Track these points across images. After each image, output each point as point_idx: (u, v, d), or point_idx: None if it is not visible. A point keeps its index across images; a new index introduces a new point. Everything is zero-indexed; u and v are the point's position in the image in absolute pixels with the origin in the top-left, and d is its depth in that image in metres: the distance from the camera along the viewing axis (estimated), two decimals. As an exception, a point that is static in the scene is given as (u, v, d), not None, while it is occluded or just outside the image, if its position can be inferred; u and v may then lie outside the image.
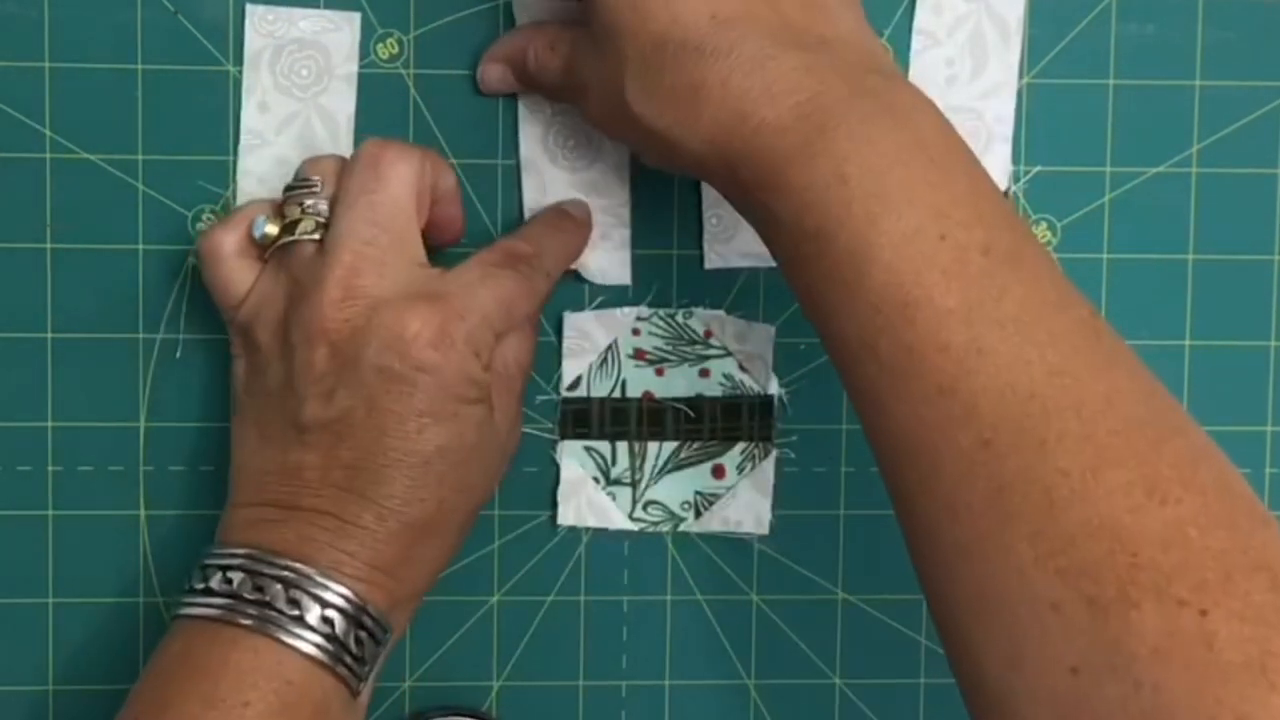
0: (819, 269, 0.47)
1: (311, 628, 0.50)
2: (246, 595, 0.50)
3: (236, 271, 0.55)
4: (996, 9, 0.60)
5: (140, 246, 0.59)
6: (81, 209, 0.59)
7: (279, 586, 0.50)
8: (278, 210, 0.55)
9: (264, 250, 0.55)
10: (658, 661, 0.61)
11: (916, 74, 0.60)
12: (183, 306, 0.59)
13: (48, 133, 0.59)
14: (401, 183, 0.54)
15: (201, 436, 0.59)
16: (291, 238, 0.54)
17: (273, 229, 0.54)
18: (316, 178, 0.55)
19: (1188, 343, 0.61)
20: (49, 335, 0.59)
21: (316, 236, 0.54)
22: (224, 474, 0.59)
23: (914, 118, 0.48)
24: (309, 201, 0.54)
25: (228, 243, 0.55)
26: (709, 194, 0.60)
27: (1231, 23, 0.60)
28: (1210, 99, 0.61)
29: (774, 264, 0.58)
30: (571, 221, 0.58)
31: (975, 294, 0.45)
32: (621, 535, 0.61)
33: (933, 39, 0.60)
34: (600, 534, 0.61)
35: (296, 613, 0.50)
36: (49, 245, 0.59)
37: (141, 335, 0.59)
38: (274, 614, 0.50)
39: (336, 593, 0.51)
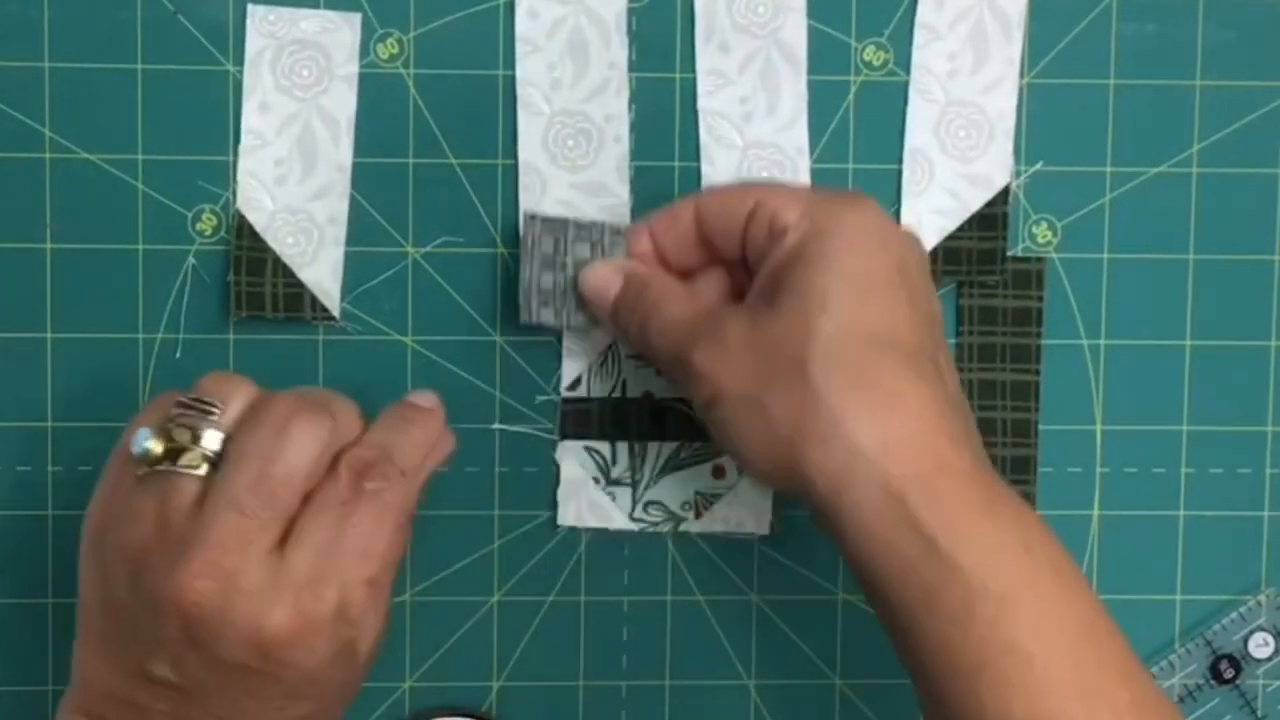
0: (992, 634, 0.47)
1: None
2: None
3: (127, 465, 0.51)
4: (998, 3, 0.60)
5: (140, 246, 0.59)
6: (81, 209, 0.59)
7: None
8: (163, 424, 0.51)
9: (139, 466, 0.51)
10: (658, 661, 0.61)
11: (918, 68, 0.60)
12: (183, 306, 0.59)
13: (48, 133, 0.59)
14: (302, 455, 0.50)
15: (201, 436, 0.59)
16: (173, 468, 0.50)
17: (156, 448, 0.50)
18: (218, 406, 0.51)
19: (1188, 343, 0.61)
20: (49, 335, 0.59)
21: (201, 472, 0.50)
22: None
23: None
24: (203, 431, 0.50)
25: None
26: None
27: (1231, 23, 0.60)
28: (1210, 99, 0.61)
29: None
30: (420, 413, 0.54)
31: (1143, 690, 0.48)
32: (621, 535, 0.61)
33: (934, 33, 0.60)
34: (600, 534, 0.61)
35: None
36: (49, 245, 0.59)
37: (141, 335, 0.59)
38: None
39: None
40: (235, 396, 0.51)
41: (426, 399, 0.55)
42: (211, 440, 0.50)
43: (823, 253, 0.51)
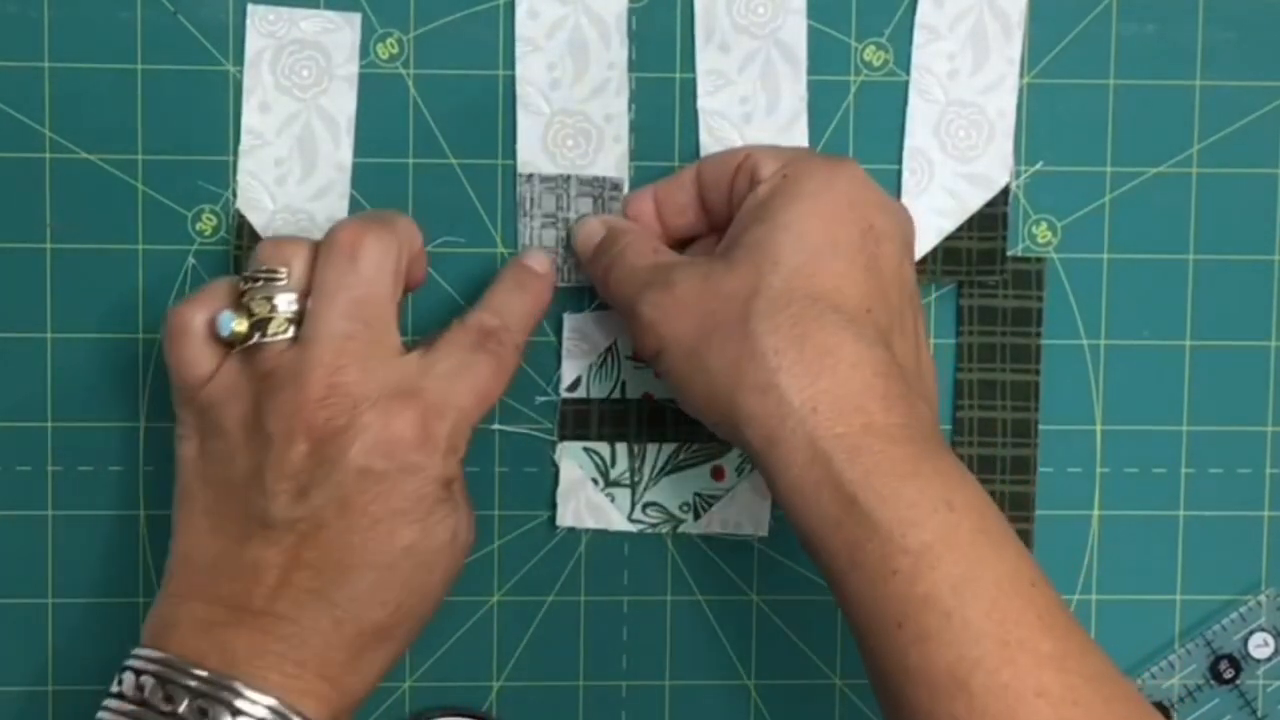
0: (910, 589, 0.48)
1: None
2: (157, 705, 0.49)
3: (202, 352, 0.53)
4: (998, 3, 0.60)
5: (140, 246, 0.59)
6: (81, 209, 0.59)
7: (189, 698, 0.49)
8: (238, 298, 0.53)
9: (230, 346, 0.53)
10: (658, 661, 0.61)
11: (918, 68, 0.60)
12: (183, 306, 0.59)
13: (48, 133, 0.59)
14: (380, 271, 0.52)
15: (201, 436, 0.59)
16: (263, 339, 0.52)
17: (240, 327, 0.52)
18: (283, 269, 0.53)
19: (1188, 343, 0.61)
20: (49, 335, 0.59)
21: (289, 334, 0.52)
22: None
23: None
24: (280, 297, 0.52)
25: (197, 320, 0.53)
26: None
27: (1231, 23, 0.60)
28: (1210, 99, 0.61)
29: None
30: (535, 279, 0.57)
31: (1068, 644, 0.47)
32: (621, 536, 0.61)
33: (934, 33, 0.60)
34: (600, 534, 0.61)
35: None
36: (49, 245, 0.59)
37: (141, 335, 0.59)
38: None
39: (264, 705, 0.49)
40: (295, 256, 0.53)
41: (540, 262, 0.58)
42: (290, 302, 0.52)
43: (784, 210, 0.52)
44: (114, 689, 0.51)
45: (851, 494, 0.48)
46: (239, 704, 0.49)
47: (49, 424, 0.59)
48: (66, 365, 0.59)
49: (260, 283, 0.53)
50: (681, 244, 0.58)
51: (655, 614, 0.61)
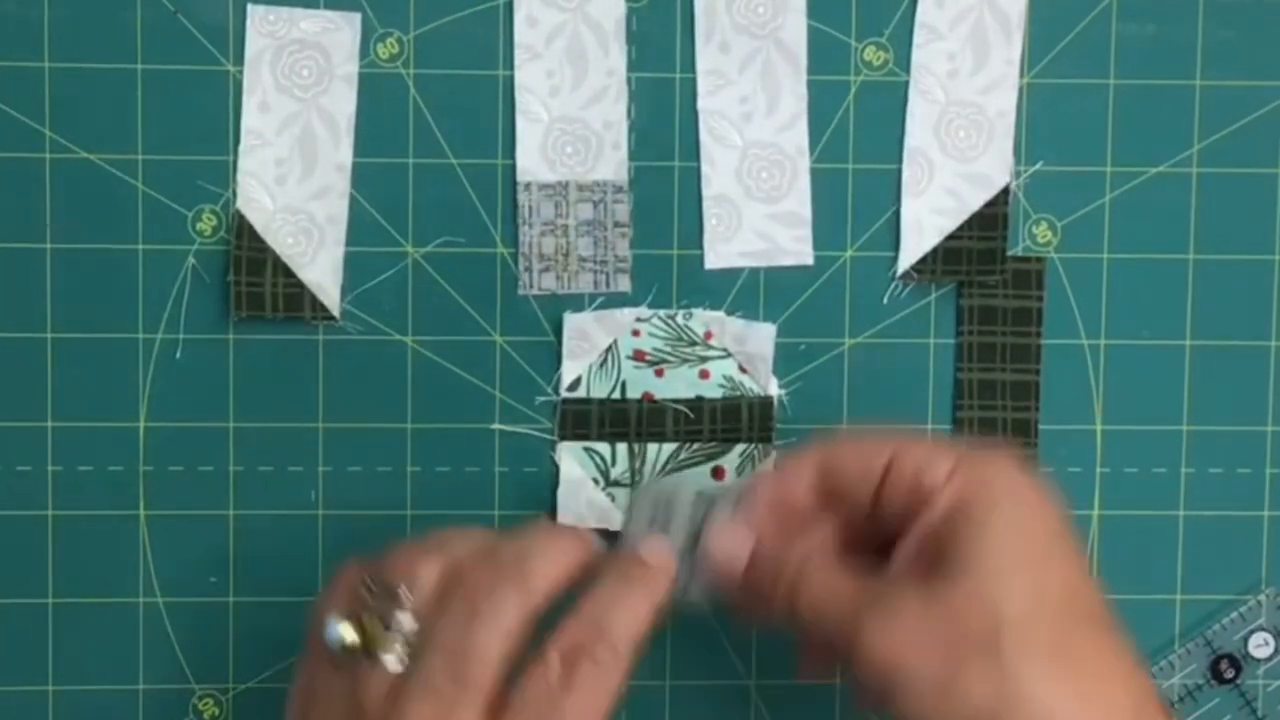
0: None
1: None
2: None
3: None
4: (998, 3, 0.60)
5: (140, 246, 0.59)
6: (81, 209, 0.59)
7: None
8: (354, 610, 0.49)
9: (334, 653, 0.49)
10: (658, 661, 0.61)
11: (918, 68, 0.60)
12: (183, 306, 0.59)
13: (48, 133, 0.59)
14: (496, 634, 0.48)
15: (201, 436, 0.59)
16: (367, 656, 0.48)
17: (352, 639, 0.49)
18: (406, 591, 0.49)
19: (1188, 343, 0.61)
20: (49, 335, 0.59)
21: (395, 657, 0.48)
22: (224, 474, 0.59)
23: None
24: (394, 616, 0.49)
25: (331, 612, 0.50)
26: (709, 193, 0.60)
27: (1231, 23, 0.60)
28: (1210, 99, 0.61)
29: (773, 264, 0.58)
30: (644, 571, 0.51)
31: None
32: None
33: (935, 33, 0.60)
34: (600, 534, 0.61)
35: None
36: (49, 245, 0.59)
37: (141, 335, 0.59)
38: None
39: None
40: (423, 572, 0.49)
41: (659, 553, 0.52)
42: (404, 624, 0.48)
43: (988, 520, 0.49)
44: None
45: None
46: None
47: (49, 424, 0.59)
48: (66, 365, 0.59)
49: (381, 597, 0.49)
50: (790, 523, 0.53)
51: (655, 614, 0.61)
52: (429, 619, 0.48)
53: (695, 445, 0.60)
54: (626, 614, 0.49)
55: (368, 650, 0.48)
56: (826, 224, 0.60)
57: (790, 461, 0.53)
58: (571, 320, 0.60)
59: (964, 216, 0.60)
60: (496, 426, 0.60)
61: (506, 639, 0.48)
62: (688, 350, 0.60)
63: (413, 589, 0.49)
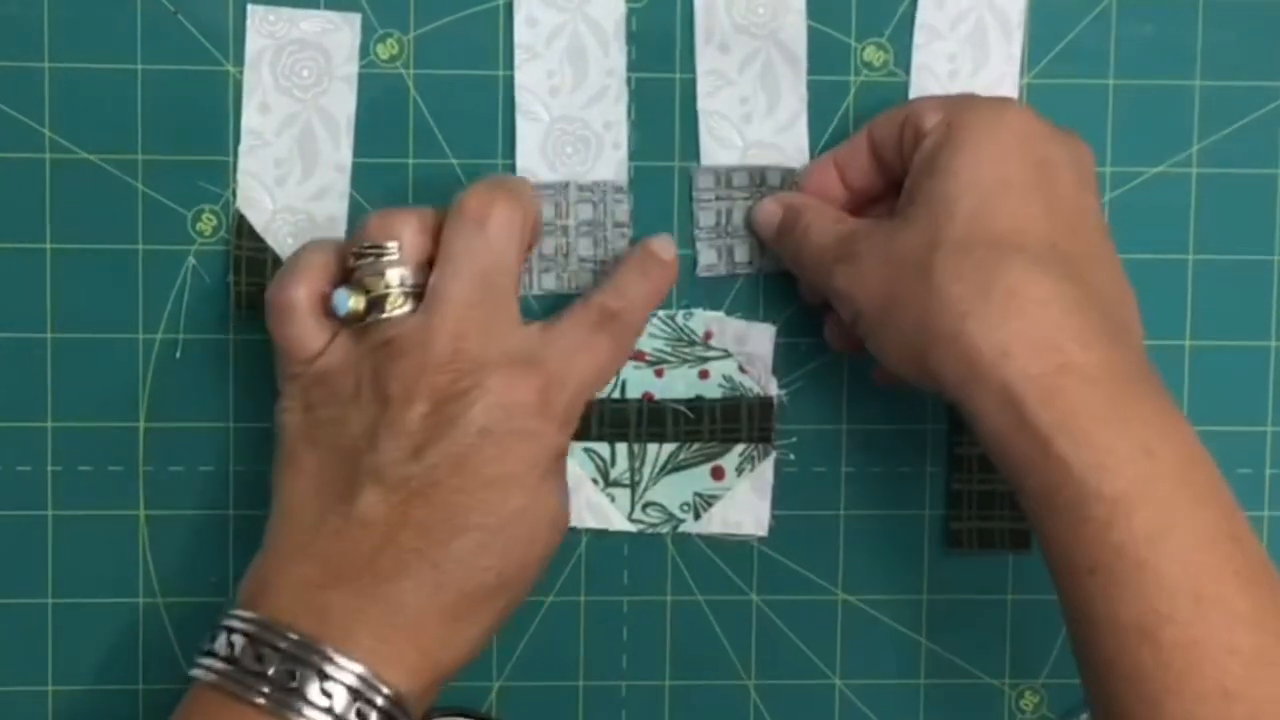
0: (1103, 537, 0.47)
1: (312, 704, 0.48)
2: (247, 665, 0.49)
3: (312, 329, 0.53)
4: (998, 3, 0.60)
5: (140, 246, 0.59)
6: (81, 209, 0.59)
7: (278, 660, 0.49)
8: (348, 274, 0.53)
9: (345, 322, 0.53)
10: (658, 661, 0.61)
11: (918, 68, 0.60)
12: (183, 306, 0.59)
13: (48, 133, 0.59)
14: (507, 240, 0.53)
15: (201, 436, 0.59)
16: (382, 316, 0.52)
17: (358, 305, 0.53)
18: (392, 243, 0.53)
19: (1188, 343, 0.61)
20: (49, 335, 0.59)
21: (407, 309, 0.52)
22: (224, 474, 0.59)
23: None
24: (392, 272, 0.53)
25: (301, 298, 0.53)
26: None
27: (1231, 23, 0.60)
28: (1210, 99, 0.61)
29: (772, 269, 0.58)
30: (659, 267, 0.57)
31: (1267, 602, 0.46)
32: (621, 535, 0.61)
33: (935, 33, 0.60)
34: (600, 534, 0.61)
35: (294, 685, 0.48)
36: (49, 245, 0.59)
37: (141, 335, 0.59)
38: (282, 694, 0.48)
39: (353, 672, 0.49)
40: (405, 228, 0.53)
41: (666, 249, 0.57)
42: (404, 276, 0.53)
43: (952, 158, 0.52)
44: (205, 646, 0.50)
45: (1046, 438, 0.47)
46: (328, 669, 0.49)
47: (49, 424, 0.59)
48: (66, 365, 0.59)
49: (370, 258, 0.53)
50: (869, 202, 0.58)
51: (655, 614, 0.61)
52: (442, 239, 0.53)
53: (695, 445, 0.60)
54: (644, 298, 0.57)
55: (379, 310, 0.52)
56: (826, 224, 0.60)
57: (847, 140, 0.58)
58: (571, 320, 0.60)
59: (964, 216, 0.60)
60: (496, 426, 0.60)
61: (516, 247, 0.53)
62: (687, 350, 0.60)
63: (401, 245, 0.53)
